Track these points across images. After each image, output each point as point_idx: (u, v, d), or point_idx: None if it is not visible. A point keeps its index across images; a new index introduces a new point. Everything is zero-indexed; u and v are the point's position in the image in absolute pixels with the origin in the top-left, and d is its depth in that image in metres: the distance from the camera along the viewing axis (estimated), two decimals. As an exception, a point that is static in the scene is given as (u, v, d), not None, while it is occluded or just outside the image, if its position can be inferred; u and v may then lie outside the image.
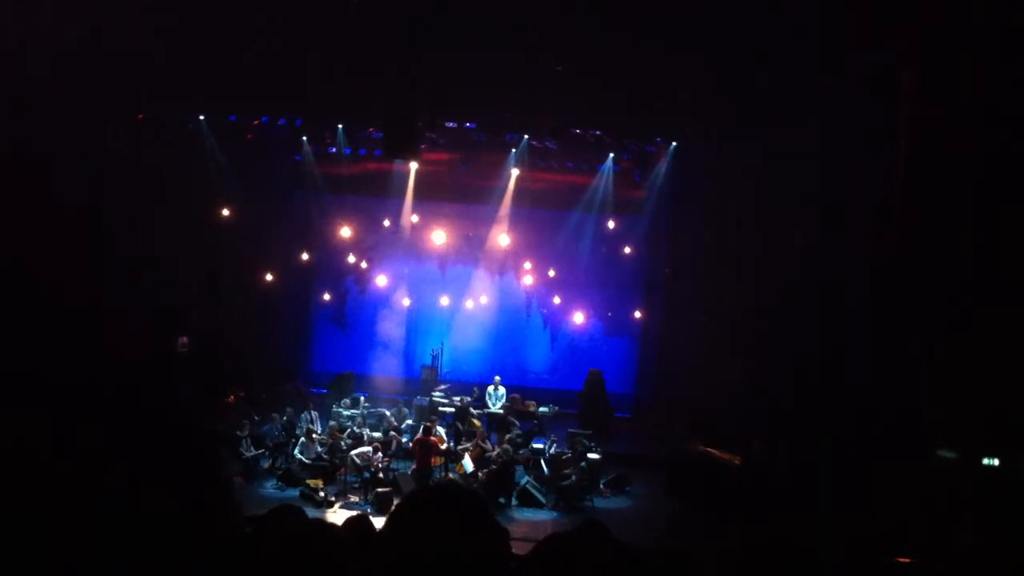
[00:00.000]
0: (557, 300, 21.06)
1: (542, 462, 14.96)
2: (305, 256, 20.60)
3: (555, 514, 13.69)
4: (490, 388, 18.17)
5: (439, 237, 20.04)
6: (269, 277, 19.87)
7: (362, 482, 13.73)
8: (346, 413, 16.79)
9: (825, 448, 13.10)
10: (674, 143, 18.94)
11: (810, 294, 14.73)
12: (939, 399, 12.10)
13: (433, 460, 14.08)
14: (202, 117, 18.53)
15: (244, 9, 13.77)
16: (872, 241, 13.80)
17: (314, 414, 16.14)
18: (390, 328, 21.33)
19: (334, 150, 19.81)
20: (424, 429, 14.22)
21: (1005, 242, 11.64)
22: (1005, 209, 11.66)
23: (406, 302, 21.25)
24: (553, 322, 21.56)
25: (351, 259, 20.69)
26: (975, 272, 11.95)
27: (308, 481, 13.85)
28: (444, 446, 14.76)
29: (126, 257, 15.40)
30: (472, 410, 16.76)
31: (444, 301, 20.95)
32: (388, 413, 16.88)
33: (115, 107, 15.02)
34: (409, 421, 17.05)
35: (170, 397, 14.29)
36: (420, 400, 17.89)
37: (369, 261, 21.02)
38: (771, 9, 12.38)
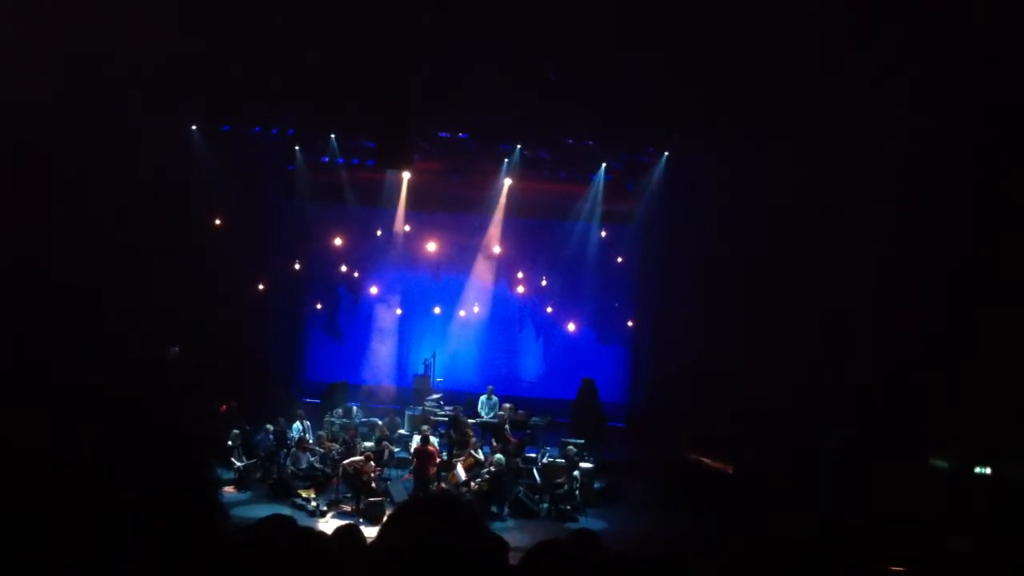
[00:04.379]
0: (549, 309, 21.08)
1: (534, 471, 14.95)
2: (298, 265, 20.58)
3: (548, 523, 13.66)
4: (483, 397, 18.12)
5: (431, 246, 20.09)
6: (261, 286, 19.83)
7: (354, 492, 13.70)
8: (338, 423, 16.75)
9: (819, 454, 13.13)
10: (666, 153, 18.99)
11: (806, 300, 14.77)
12: (937, 403, 12.16)
13: (430, 469, 14.08)
14: (194, 127, 18.52)
15: (239, 20, 13.78)
16: (870, 244, 13.86)
17: (306, 424, 16.08)
18: (383, 337, 21.32)
19: (327, 159, 19.82)
20: (423, 439, 14.21)
21: (1004, 243, 11.71)
22: (1004, 210, 11.73)
23: (398, 311, 21.26)
24: (546, 331, 21.56)
25: (343, 268, 20.69)
26: (974, 273, 12.03)
27: (300, 491, 13.82)
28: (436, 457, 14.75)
29: (118, 264, 15.35)
30: (466, 419, 16.71)
31: (437, 310, 20.97)
32: (380, 423, 16.85)
33: (111, 116, 15.00)
34: (401, 431, 17.03)
35: (161, 403, 14.22)
36: (412, 409, 17.87)
37: (361, 270, 21.02)
38: (766, 16, 12.41)
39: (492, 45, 13.92)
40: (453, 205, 20.59)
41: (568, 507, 14.00)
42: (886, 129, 13.20)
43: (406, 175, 19.87)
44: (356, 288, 21.27)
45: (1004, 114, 11.41)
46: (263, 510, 13.30)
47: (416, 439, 14.78)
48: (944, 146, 12.36)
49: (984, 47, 11.25)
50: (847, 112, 13.56)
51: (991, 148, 11.74)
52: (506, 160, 19.50)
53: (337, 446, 15.26)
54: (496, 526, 12.86)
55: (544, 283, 20.87)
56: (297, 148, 19.82)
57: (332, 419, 16.92)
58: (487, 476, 13.87)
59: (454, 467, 14.44)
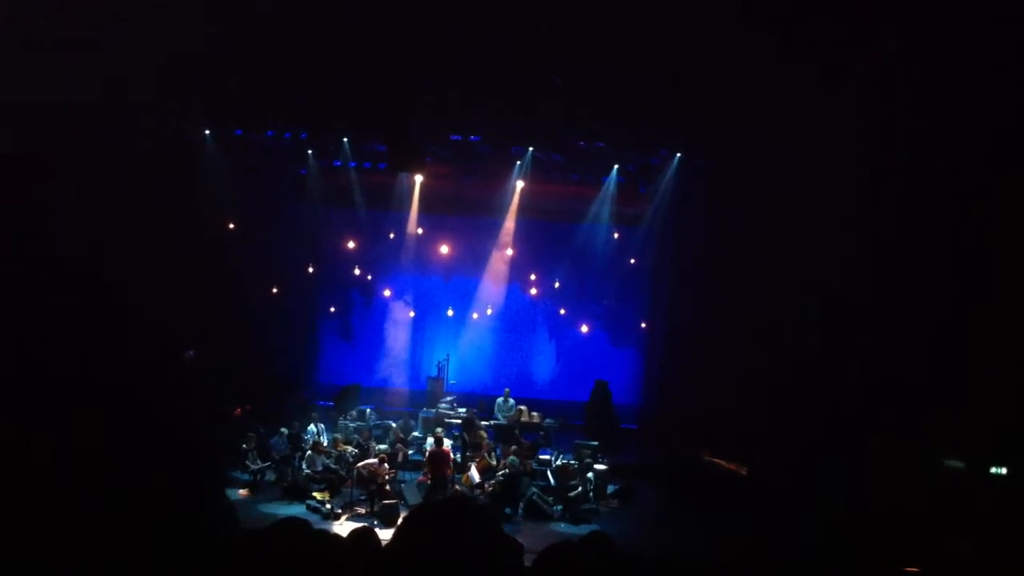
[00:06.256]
0: (562, 311, 21.09)
1: (548, 473, 14.94)
2: (311, 269, 20.66)
3: (561, 525, 13.66)
4: (499, 400, 18.16)
5: (444, 249, 20.16)
6: (275, 290, 19.92)
7: (368, 494, 13.73)
8: (352, 425, 16.79)
9: (828, 455, 13.09)
10: (678, 154, 18.96)
11: (816, 301, 14.74)
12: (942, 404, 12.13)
13: (446, 470, 14.09)
14: (207, 131, 18.62)
15: (250, 24, 13.85)
16: (873, 244, 13.84)
17: (320, 426, 16.14)
18: (396, 340, 21.36)
19: (339, 163, 19.89)
20: (436, 440, 14.23)
21: (1004, 243, 11.66)
22: (1003, 210, 11.69)
23: (411, 313, 21.31)
24: (558, 333, 21.56)
25: (356, 271, 20.75)
26: (973, 273, 11.99)
27: (314, 494, 13.85)
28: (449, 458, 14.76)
29: (132, 268, 15.45)
30: (480, 422, 16.72)
31: (449, 312, 21.01)
32: (394, 425, 16.88)
33: (121, 119, 15.10)
34: (415, 433, 17.05)
35: (175, 407, 14.30)
36: (426, 412, 17.90)
37: (374, 273, 21.08)
38: (766, 19, 12.43)
39: (502, 47, 13.94)
40: (465, 208, 20.62)
41: (582, 509, 13.98)
42: (888, 131, 13.18)
43: (418, 178, 19.94)
44: (369, 291, 21.31)
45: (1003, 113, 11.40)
46: (278, 513, 13.41)
47: (430, 441, 14.78)
48: (944, 145, 12.33)
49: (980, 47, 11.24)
50: (851, 115, 13.55)
51: (991, 147, 11.72)
52: (518, 163, 19.52)
53: (351, 448, 15.30)
54: (509, 528, 12.86)
55: (557, 285, 20.87)
56: (309, 152, 19.89)
57: (346, 422, 16.96)
58: (501, 478, 13.88)
59: (468, 469, 14.46)
